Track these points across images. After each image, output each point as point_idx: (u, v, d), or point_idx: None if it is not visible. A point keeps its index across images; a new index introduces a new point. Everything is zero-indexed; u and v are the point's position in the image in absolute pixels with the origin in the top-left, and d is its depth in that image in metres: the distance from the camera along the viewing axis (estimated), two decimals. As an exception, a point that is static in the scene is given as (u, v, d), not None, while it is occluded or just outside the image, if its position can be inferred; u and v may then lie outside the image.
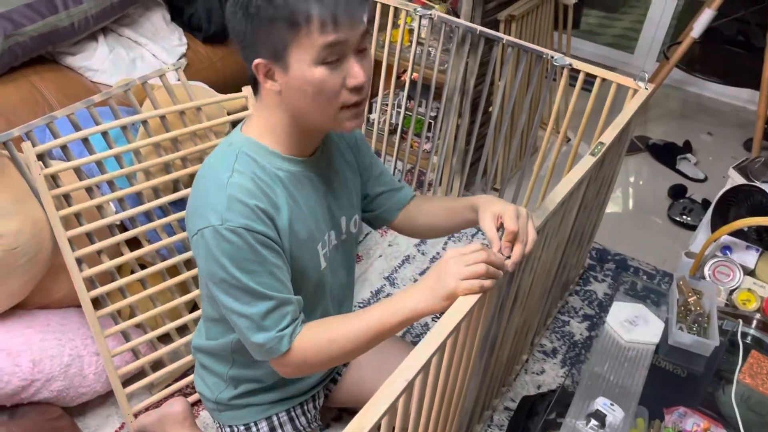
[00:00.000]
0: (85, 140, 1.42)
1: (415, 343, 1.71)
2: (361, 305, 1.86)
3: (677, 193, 2.52)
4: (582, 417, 1.18)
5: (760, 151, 2.67)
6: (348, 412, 1.54)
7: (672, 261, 2.16)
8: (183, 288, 1.59)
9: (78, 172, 1.41)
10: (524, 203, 2.05)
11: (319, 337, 0.96)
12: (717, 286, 1.69)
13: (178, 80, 1.64)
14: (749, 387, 1.26)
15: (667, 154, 2.76)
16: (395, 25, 2.16)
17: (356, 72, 0.88)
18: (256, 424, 1.23)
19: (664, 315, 1.42)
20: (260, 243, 0.91)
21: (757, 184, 1.87)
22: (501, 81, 2.01)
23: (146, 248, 1.49)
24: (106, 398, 1.52)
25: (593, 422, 1.16)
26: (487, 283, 0.86)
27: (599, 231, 1.95)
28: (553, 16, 2.53)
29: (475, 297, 0.86)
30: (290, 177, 0.99)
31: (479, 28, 1.87)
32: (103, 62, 1.90)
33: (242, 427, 1.23)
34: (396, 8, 2.01)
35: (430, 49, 2.19)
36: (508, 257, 0.93)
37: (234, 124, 1.67)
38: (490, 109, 2.16)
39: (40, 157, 1.34)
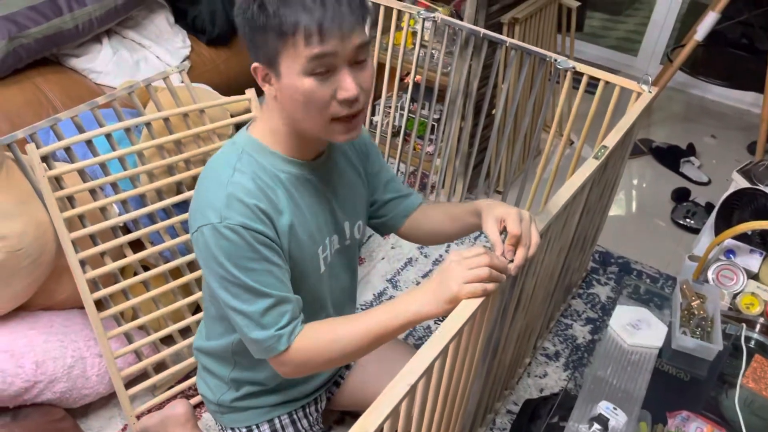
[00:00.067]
0: (88, 142, 1.42)
1: (417, 346, 1.70)
2: (364, 307, 1.86)
3: (681, 196, 2.51)
4: (585, 421, 1.18)
5: (764, 155, 2.66)
6: (350, 415, 1.54)
7: (675, 264, 2.15)
8: (186, 290, 1.59)
9: (81, 173, 1.42)
10: (527, 206, 2.05)
11: (321, 337, 0.96)
12: (720, 289, 1.68)
13: (182, 82, 1.64)
14: (752, 391, 1.26)
15: (671, 157, 2.75)
16: (398, 28, 2.17)
17: (347, 85, 0.86)
18: (258, 427, 1.23)
19: (667, 319, 1.42)
20: (258, 242, 0.92)
21: (761, 187, 1.86)
22: (504, 84, 2.01)
23: (149, 250, 1.49)
24: (108, 400, 1.52)
25: (596, 426, 1.16)
26: (490, 286, 0.86)
27: (602, 234, 1.95)
28: (557, 19, 2.53)
29: (478, 301, 0.86)
30: (291, 179, 0.99)
31: (483, 30, 1.87)
32: (106, 64, 1.91)
33: (244, 430, 1.23)
34: (399, 11, 2.01)
35: (433, 51, 2.19)
36: (511, 261, 0.92)
37: (237, 126, 1.67)
38: (493, 111, 2.16)
39: (44, 158, 1.35)
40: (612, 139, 1.35)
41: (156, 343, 1.53)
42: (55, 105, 1.74)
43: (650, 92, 1.58)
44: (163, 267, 1.51)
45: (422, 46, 2.10)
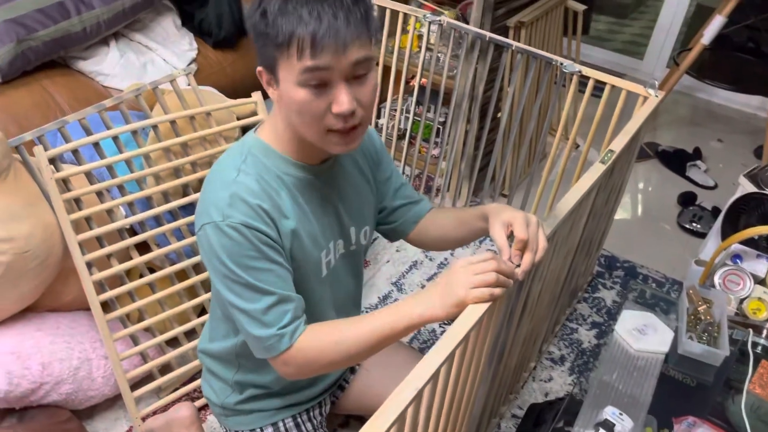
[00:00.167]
0: (96, 144, 1.43)
1: (422, 350, 1.70)
2: (368, 310, 1.86)
3: (687, 200, 2.50)
4: (590, 426, 1.17)
5: (770, 159, 2.66)
6: (355, 419, 1.54)
7: (681, 269, 2.14)
8: (191, 292, 1.60)
9: (89, 176, 1.42)
10: (533, 209, 2.05)
11: (325, 338, 0.96)
12: (727, 295, 1.67)
13: (189, 85, 1.64)
14: (759, 397, 1.25)
15: (677, 161, 2.74)
16: (405, 31, 2.17)
17: (341, 100, 0.85)
18: (262, 430, 1.23)
19: (673, 324, 1.41)
20: (260, 240, 0.92)
21: (768, 192, 1.85)
22: (510, 87, 2.00)
23: (155, 252, 1.49)
24: (114, 401, 1.53)
25: (602, 431, 1.15)
26: (497, 291, 0.86)
27: (608, 238, 1.95)
28: (563, 22, 2.53)
29: (485, 306, 0.85)
30: (296, 182, 0.99)
31: (488, 34, 1.87)
32: (114, 67, 1.91)
33: (248, 433, 1.23)
34: (405, 14, 2.01)
35: (439, 54, 2.20)
36: (518, 266, 0.92)
37: (244, 129, 1.67)
38: (499, 114, 2.16)
39: (52, 161, 1.35)
40: (618, 144, 1.34)
41: (161, 345, 1.54)
42: (63, 107, 1.75)
43: (657, 96, 1.57)
44: (169, 269, 1.51)
45: (428, 49, 2.10)
